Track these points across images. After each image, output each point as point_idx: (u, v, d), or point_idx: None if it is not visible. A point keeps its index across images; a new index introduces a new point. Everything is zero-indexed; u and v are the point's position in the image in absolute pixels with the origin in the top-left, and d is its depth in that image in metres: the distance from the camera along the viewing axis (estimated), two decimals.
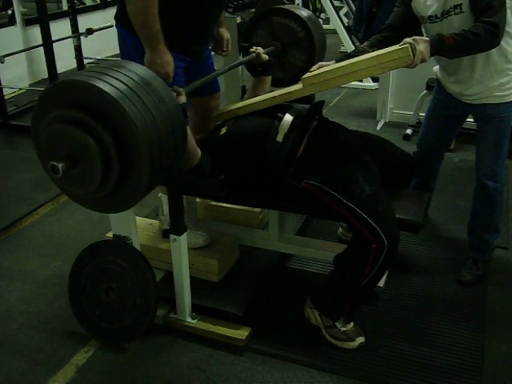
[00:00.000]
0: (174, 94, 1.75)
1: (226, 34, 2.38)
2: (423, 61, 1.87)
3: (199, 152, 1.98)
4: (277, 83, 2.64)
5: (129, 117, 1.34)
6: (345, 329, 2.07)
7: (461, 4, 2.02)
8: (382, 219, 1.86)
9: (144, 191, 1.48)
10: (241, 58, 2.70)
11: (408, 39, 1.84)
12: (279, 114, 2.02)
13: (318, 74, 1.96)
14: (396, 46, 1.84)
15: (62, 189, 1.57)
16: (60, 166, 1.39)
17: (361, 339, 2.07)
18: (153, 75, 1.49)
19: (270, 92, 2.31)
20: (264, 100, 2.11)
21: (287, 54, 2.58)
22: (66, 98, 1.41)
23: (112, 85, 1.36)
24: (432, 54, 1.91)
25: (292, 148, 1.98)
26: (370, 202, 1.88)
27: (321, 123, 2.16)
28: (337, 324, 2.07)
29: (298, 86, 2.02)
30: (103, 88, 1.34)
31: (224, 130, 2.10)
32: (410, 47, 1.79)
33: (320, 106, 2.18)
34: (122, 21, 2.08)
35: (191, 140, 1.95)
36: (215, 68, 2.48)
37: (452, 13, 2.05)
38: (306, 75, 2.00)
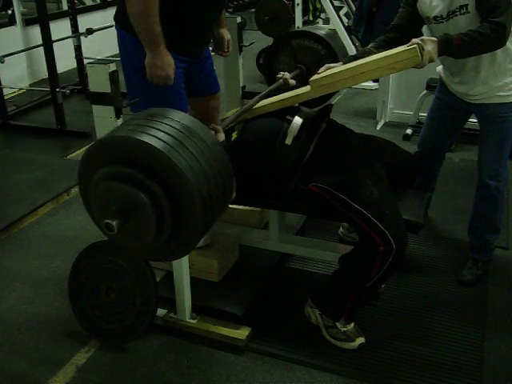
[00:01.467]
0: (213, 132, 1.74)
1: (226, 34, 2.38)
2: (431, 61, 1.88)
3: None
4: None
5: (178, 168, 1.32)
6: (345, 329, 2.07)
7: (467, 4, 2.02)
8: (391, 222, 1.86)
9: (200, 234, 1.46)
10: (241, 60, 2.71)
11: (416, 40, 1.84)
12: (288, 117, 2.02)
13: (327, 76, 1.96)
14: (404, 47, 1.84)
15: (117, 243, 1.54)
16: (114, 223, 1.36)
17: (361, 340, 2.07)
18: (191, 119, 1.47)
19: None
20: (273, 103, 2.10)
21: (312, 74, 2.59)
22: (111, 154, 1.39)
23: (157, 137, 1.34)
24: (439, 54, 1.92)
25: (301, 151, 1.99)
26: (379, 206, 1.88)
27: (329, 126, 2.16)
28: (337, 324, 2.07)
29: (307, 88, 2.02)
30: (149, 142, 1.32)
31: (234, 136, 2.10)
32: (418, 48, 1.80)
33: (329, 109, 2.18)
34: (121, 22, 2.08)
35: None
36: (214, 68, 2.49)
37: (458, 13, 2.05)
38: (314, 77, 2.00)
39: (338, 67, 2.04)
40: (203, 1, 2.08)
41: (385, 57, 1.84)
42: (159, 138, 1.35)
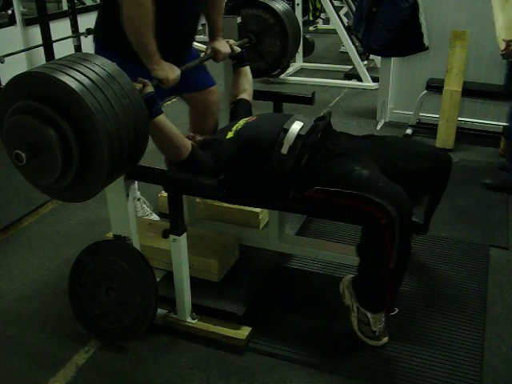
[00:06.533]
0: (140, 85, 1.80)
1: (223, 47, 2.37)
2: None
3: (188, 144, 2.01)
4: (258, 73, 2.69)
5: (89, 109, 1.38)
6: (376, 329, 2.05)
7: None
8: (386, 193, 1.84)
9: (104, 182, 1.53)
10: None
11: None
12: (285, 126, 2.05)
13: None
14: None
15: (27, 178, 1.62)
16: (24, 155, 1.45)
17: (386, 339, 2.07)
18: (117, 69, 1.52)
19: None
20: None
21: (262, 43, 2.65)
22: (29, 89, 1.45)
23: (75, 78, 1.40)
24: None
25: (296, 160, 2.00)
26: (370, 182, 1.88)
27: (325, 134, 2.14)
28: (371, 322, 2.03)
29: None
30: (65, 81, 1.39)
31: (231, 135, 2.11)
32: None
33: (327, 119, 2.18)
34: (97, 40, 2.16)
35: (176, 133, 1.97)
36: (205, 65, 2.48)
37: None
38: None
39: None
40: (181, 13, 2.10)
41: None
42: (75, 78, 1.41)
